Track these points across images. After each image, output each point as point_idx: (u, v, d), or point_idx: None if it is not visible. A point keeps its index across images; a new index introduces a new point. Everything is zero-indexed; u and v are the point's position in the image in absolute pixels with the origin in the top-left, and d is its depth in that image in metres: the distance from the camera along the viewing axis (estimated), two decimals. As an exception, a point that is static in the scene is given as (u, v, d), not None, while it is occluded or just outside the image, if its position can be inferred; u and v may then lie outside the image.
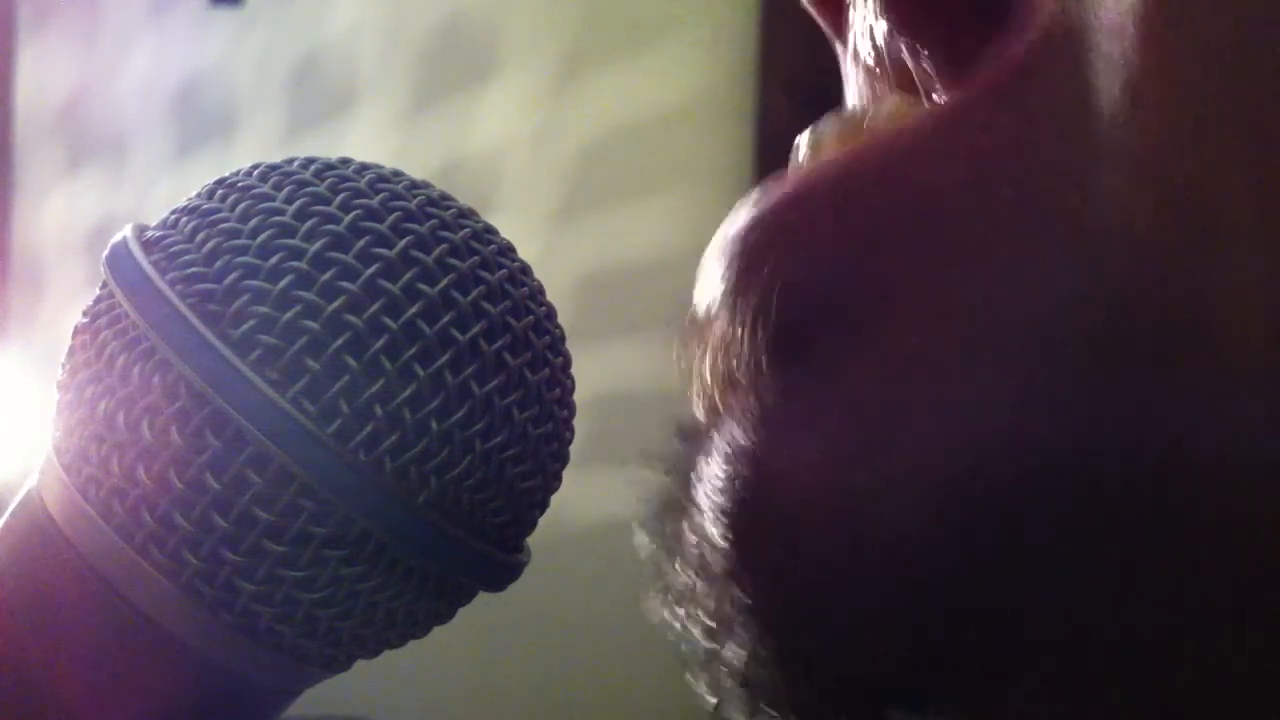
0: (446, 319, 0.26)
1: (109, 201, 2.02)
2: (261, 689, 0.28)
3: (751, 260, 0.22)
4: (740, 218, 0.23)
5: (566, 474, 0.29)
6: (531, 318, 0.28)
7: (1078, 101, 0.19)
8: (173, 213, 0.28)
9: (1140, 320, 0.19)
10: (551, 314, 0.29)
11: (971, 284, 0.20)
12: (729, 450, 0.22)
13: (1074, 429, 0.19)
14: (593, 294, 1.52)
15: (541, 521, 0.29)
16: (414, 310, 0.26)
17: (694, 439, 0.24)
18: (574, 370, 0.29)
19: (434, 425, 0.26)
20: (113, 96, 2.05)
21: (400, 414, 0.26)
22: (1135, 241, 0.19)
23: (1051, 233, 0.19)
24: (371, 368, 0.26)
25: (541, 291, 0.29)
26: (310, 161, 0.28)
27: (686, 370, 0.24)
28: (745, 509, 0.22)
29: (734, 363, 0.23)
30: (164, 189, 1.89)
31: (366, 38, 1.72)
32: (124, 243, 0.27)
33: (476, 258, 0.27)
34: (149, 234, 0.28)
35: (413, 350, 0.26)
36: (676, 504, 0.24)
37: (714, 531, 0.22)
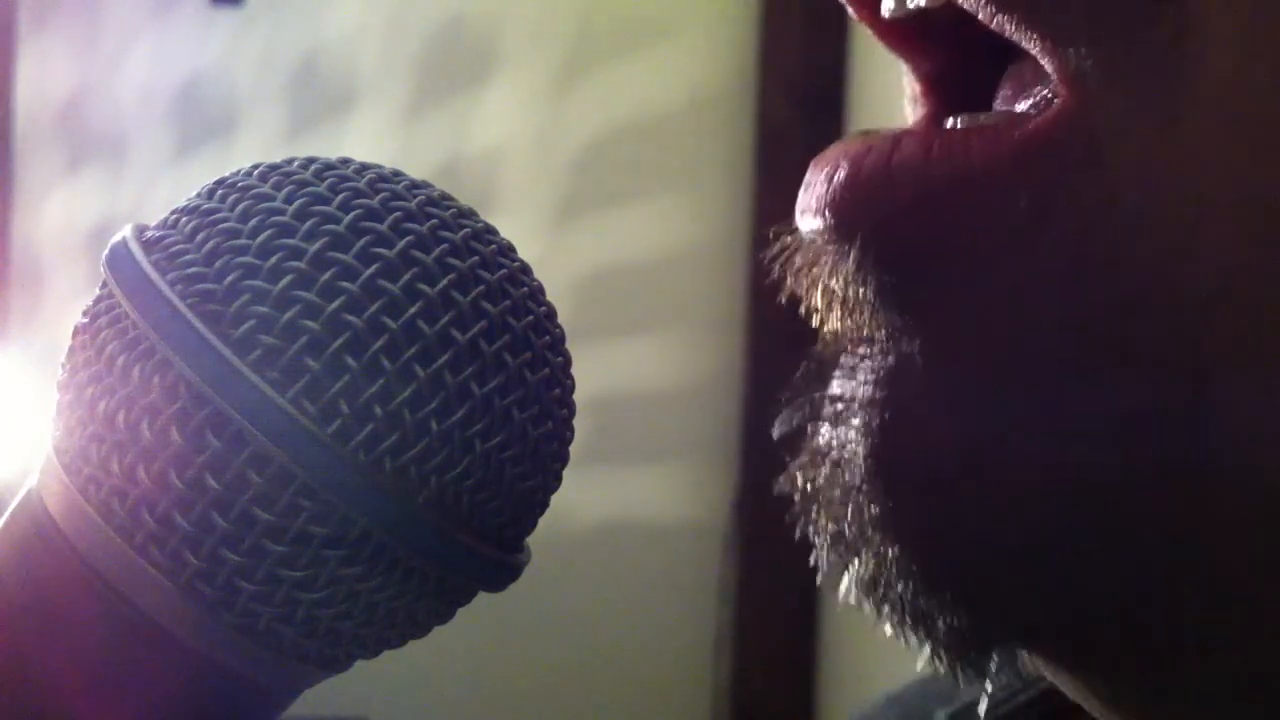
0: (446, 319, 0.26)
1: (109, 201, 2.01)
2: (261, 689, 0.28)
3: (852, 210, 0.23)
4: (838, 160, 0.23)
5: (566, 474, 0.29)
6: (531, 318, 0.28)
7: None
8: (173, 213, 0.28)
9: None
10: (551, 314, 0.29)
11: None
12: (861, 387, 0.23)
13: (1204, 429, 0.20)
14: (593, 294, 1.52)
15: (541, 521, 0.29)
16: (414, 310, 0.26)
17: (824, 358, 0.24)
18: (574, 370, 0.29)
19: (434, 425, 0.26)
20: (113, 96, 2.04)
21: (400, 414, 0.26)
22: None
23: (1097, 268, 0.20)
24: (371, 368, 0.26)
25: (541, 291, 0.29)
26: (310, 161, 0.28)
27: (799, 287, 0.25)
28: (882, 443, 0.23)
29: (847, 301, 0.24)
30: (164, 189, 1.89)
31: (366, 38, 1.72)
32: (124, 243, 0.27)
33: (476, 258, 0.27)
34: (149, 234, 0.28)
35: (412, 350, 0.26)
36: (811, 408, 0.24)
37: (850, 446, 0.23)
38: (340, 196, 0.27)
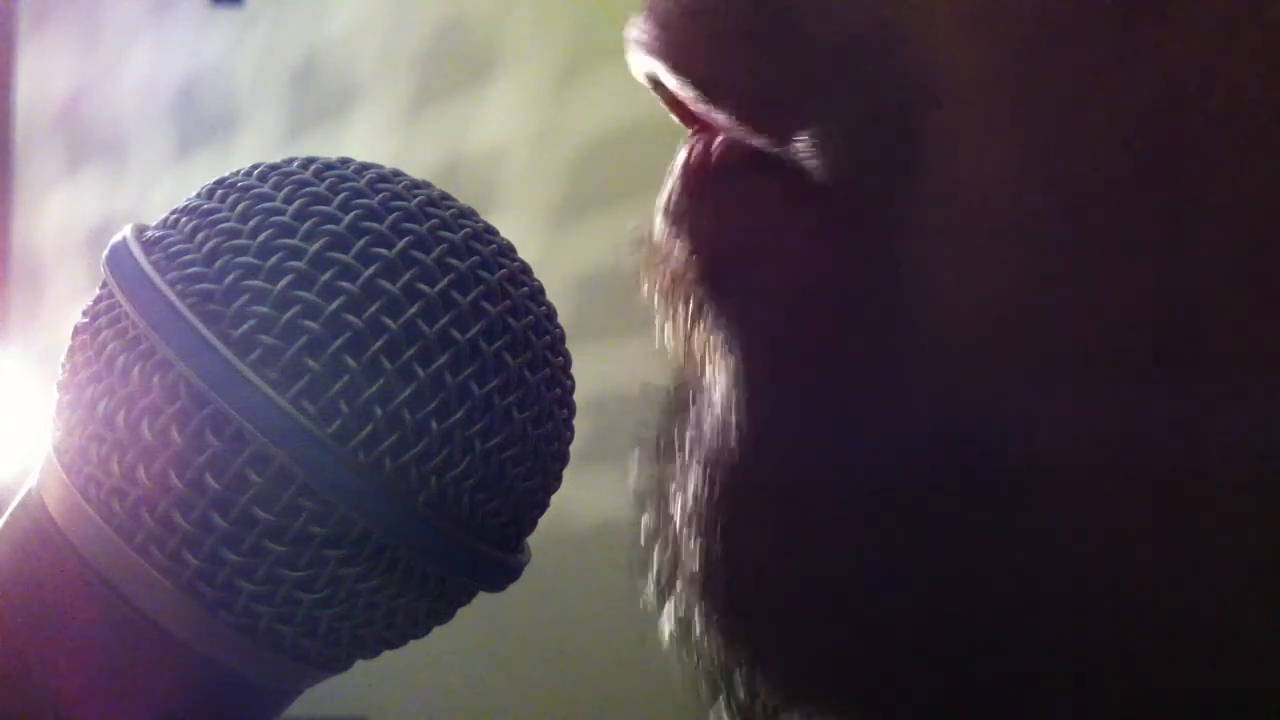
0: (446, 319, 0.26)
1: (109, 201, 2.02)
2: (261, 689, 0.28)
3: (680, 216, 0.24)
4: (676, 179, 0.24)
5: (566, 474, 0.29)
6: (531, 317, 0.28)
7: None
8: (172, 213, 0.28)
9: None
10: (551, 314, 0.29)
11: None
12: (697, 421, 0.24)
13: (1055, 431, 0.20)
14: (593, 294, 1.52)
15: (541, 521, 0.29)
16: (413, 310, 0.26)
17: (679, 390, 0.25)
18: (574, 370, 0.29)
19: (434, 425, 0.26)
20: (113, 96, 2.04)
21: (400, 414, 0.26)
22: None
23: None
24: (371, 368, 0.26)
25: (541, 291, 0.29)
26: (310, 161, 0.28)
27: (660, 314, 0.25)
28: (711, 476, 0.23)
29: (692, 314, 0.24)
30: (164, 189, 1.89)
31: (366, 38, 1.72)
32: (124, 243, 0.27)
33: (476, 258, 0.27)
34: (149, 234, 0.28)
35: (412, 350, 0.26)
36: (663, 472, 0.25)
37: (692, 488, 0.24)
38: (340, 196, 0.27)
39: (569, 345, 0.29)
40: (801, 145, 0.22)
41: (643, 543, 0.25)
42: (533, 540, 0.29)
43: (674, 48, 0.23)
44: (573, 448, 0.29)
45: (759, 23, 0.22)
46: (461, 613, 0.29)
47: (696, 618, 0.24)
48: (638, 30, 0.24)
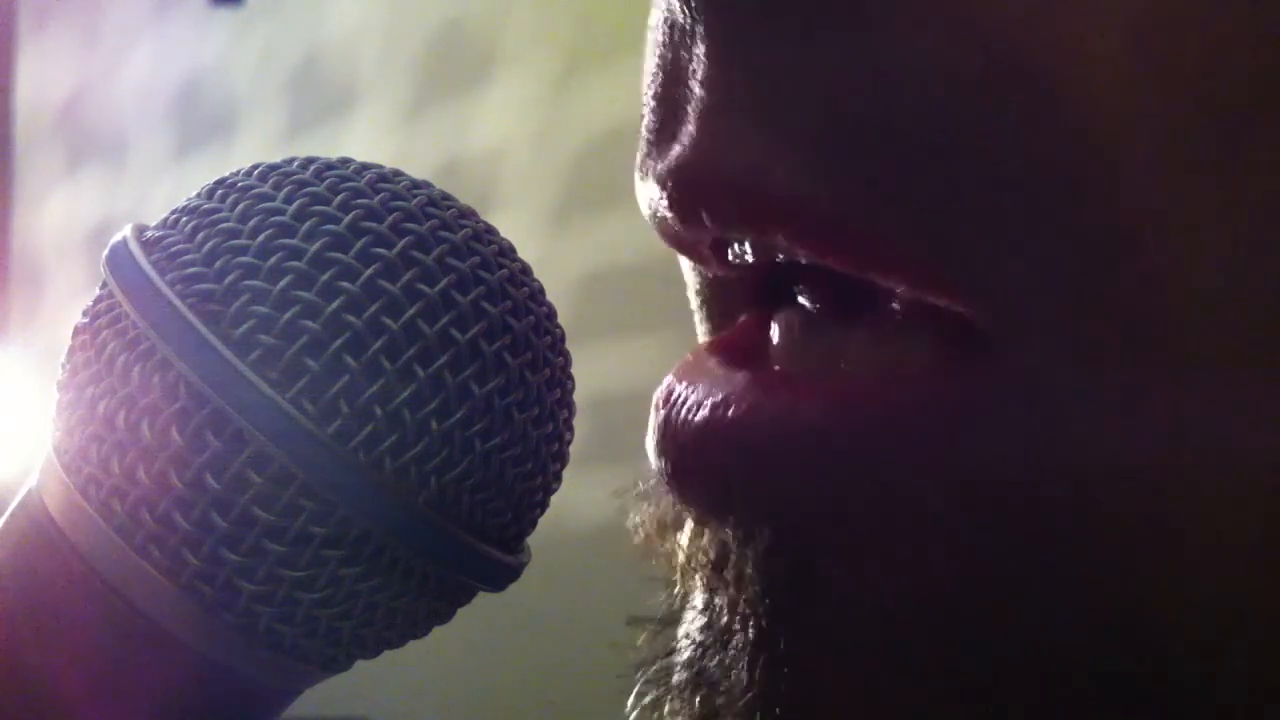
0: (446, 319, 0.26)
1: (109, 201, 2.02)
2: (261, 689, 0.28)
3: (748, 481, 0.22)
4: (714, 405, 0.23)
5: (566, 474, 0.29)
6: (532, 318, 0.28)
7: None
8: (172, 213, 0.28)
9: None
10: (552, 314, 0.29)
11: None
12: (735, 672, 0.23)
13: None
14: (593, 294, 1.52)
15: (541, 521, 0.29)
16: (414, 310, 0.26)
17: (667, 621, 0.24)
18: (574, 370, 0.29)
19: (434, 425, 0.26)
20: (113, 96, 2.05)
21: (400, 414, 0.26)
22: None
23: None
24: (371, 368, 0.26)
25: (542, 292, 0.29)
26: (310, 161, 0.28)
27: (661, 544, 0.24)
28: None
29: (724, 579, 0.23)
30: (164, 189, 1.89)
31: (366, 38, 1.72)
32: (124, 243, 0.27)
33: (477, 258, 0.27)
34: (149, 234, 0.28)
35: (412, 350, 0.26)
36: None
37: None
38: (340, 196, 0.27)
39: (569, 345, 0.29)
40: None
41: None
42: (533, 540, 0.29)
43: (800, 207, 0.20)
44: (573, 448, 0.29)
45: (917, 160, 0.19)
46: (461, 613, 0.29)
47: None
48: (679, 183, 0.21)
